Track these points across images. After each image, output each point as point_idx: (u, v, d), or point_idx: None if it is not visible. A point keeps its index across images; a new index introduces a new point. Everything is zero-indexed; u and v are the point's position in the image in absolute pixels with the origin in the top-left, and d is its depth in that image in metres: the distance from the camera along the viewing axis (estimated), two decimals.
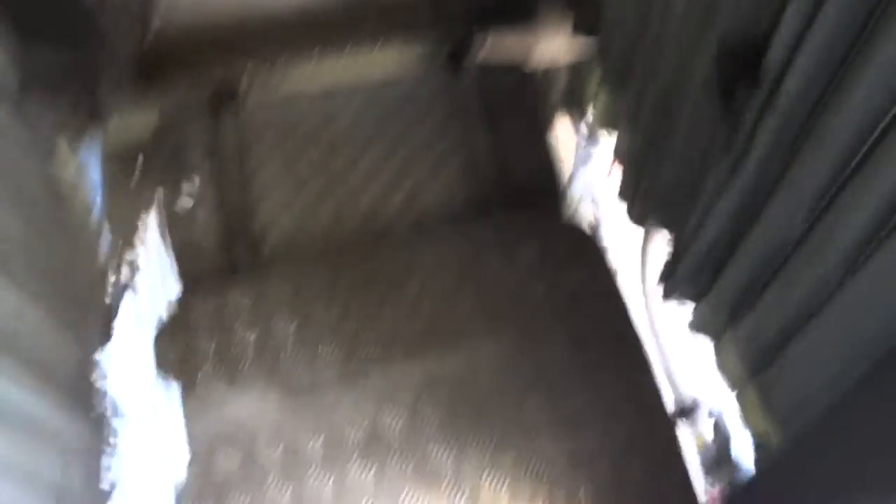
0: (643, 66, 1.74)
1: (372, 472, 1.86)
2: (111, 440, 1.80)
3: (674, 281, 1.86)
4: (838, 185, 1.18)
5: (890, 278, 1.11)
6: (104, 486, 1.74)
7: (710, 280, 1.73)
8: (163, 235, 2.54)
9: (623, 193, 2.05)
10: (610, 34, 1.92)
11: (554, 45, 2.52)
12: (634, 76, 1.80)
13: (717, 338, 1.83)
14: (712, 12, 1.36)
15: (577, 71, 2.94)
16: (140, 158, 2.75)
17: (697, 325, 1.88)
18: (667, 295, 1.92)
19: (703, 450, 2.31)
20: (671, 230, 1.87)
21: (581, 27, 2.28)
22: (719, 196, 1.52)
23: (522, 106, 2.44)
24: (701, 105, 1.50)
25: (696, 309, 1.87)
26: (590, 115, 2.89)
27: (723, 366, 1.82)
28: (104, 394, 1.83)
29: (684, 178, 1.69)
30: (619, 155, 2.05)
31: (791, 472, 1.47)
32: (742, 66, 1.29)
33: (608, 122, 2.12)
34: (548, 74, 2.91)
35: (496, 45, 2.55)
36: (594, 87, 2.79)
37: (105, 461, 1.76)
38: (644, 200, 1.92)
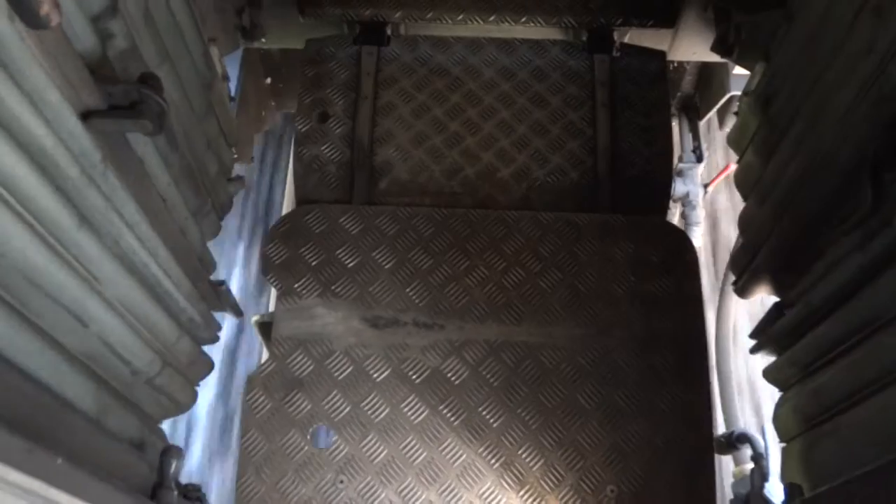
0: (798, 129, 1.74)
1: (423, 415, 2.02)
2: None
3: (766, 338, 1.90)
4: None
5: None
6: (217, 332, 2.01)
7: (796, 339, 1.76)
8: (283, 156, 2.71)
9: (735, 263, 2.08)
10: (772, 79, 1.91)
11: (690, 50, 2.52)
12: (785, 136, 1.80)
13: (784, 389, 1.87)
14: (883, 86, 1.37)
15: (705, 75, 2.91)
16: (268, 81, 2.95)
17: (770, 375, 1.92)
18: (755, 350, 1.96)
19: (739, 482, 2.36)
20: (777, 295, 1.90)
21: (722, 48, 2.26)
22: (836, 269, 1.55)
23: (650, 100, 2.44)
24: (846, 180, 1.51)
25: (774, 360, 1.91)
26: (705, 120, 2.88)
27: (778, 415, 1.86)
28: (214, 280, 2.06)
29: (803, 252, 1.71)
30: (742, 224, 2.06)
31: None
32: None
33: (740, 146, 2.12)
34: (678, 67, 2.90)
35: (634, 39, 2.57)
36: (729, 105, 2.77)
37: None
38: (754, 274, 1.95)
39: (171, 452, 1.48)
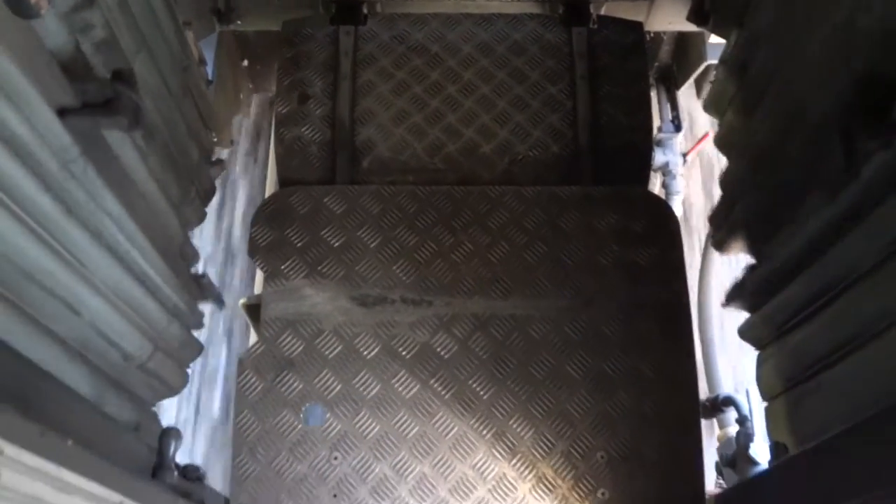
0: (774, 90, 1.76)
1: (414, 390, 2.04)
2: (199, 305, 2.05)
3: (739, 293, 1.94)
4: None
5: None
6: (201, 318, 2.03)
7: (769, 295, 1.81)
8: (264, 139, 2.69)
9: (714, 219, 2.11)
10: (747, 45, 1.93)
11: (666, 21, 2.54)
12: (762, 98, 1.83)
13: (761, 348, 1.92)
14: (853, 39, 1.38)
15: (681, 45, 2.94)
16: (245, 63, 2.93)
17: (746, 334, 1.96)
18: (727, 302, 2.00)
19: (724, 444, 2.42)
20: (751, 256, 1.94)
21: (697, 17, 2.28)
22: (806, 223, 1.58)
23: (628, 71, 2.46)
24: (819, 139, 1.53)
25: (749, 318, 1.95)
26: (681, 91, 2.90)
27: (760, 375, 1.91)
28: (195, 273, 2.06)
29: (777, 207, 1.75)
30: (722, 181, 2.09)
31: (794, 478, 1.57)
32: (870, 109, 1.31)
33: (718, 110, 2.14)
34: (655, 38, 2.92)
35: (611, 11, 2.58)
36: (706, 74, 2.79)
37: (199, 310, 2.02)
38: (731, 228, 1.99)
39: (171, 434, 1.50)
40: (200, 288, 2.06)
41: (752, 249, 1.97)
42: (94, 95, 1.40)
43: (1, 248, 1.20)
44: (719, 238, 2.08)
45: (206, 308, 2.12)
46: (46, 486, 0.82)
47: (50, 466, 0.83)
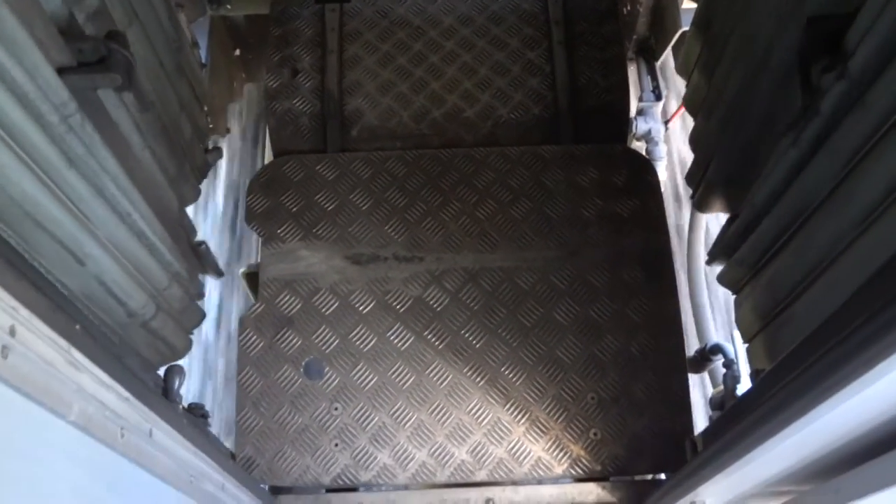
0: (734, 43, 1.83)
1: (409, 342, 2.12)
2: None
3: (719, 248, 2.00)
4: (866, 150, 1.29)
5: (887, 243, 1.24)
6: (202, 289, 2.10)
7: (741, 241, 1.88)
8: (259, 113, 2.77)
9: (691, 178, 2.18)
10: (708, 4, 2.01)
11: None
12: (724, 52, 1.89)
13: (737, 291, 1.98)
14: None
15: (657, 15, 3.03)
16: (237, 52, 3.03)
17: (723, 279, 2.03)
18: (710, 261, 2.07)
19: (717, 393, 2.48)
20: (730, 212, 2.01)
21: None
22: (774, 168, 1.63)
23: (603, 36, 2.56)
24: (780, 85, 1.59)
25: (725, 265, 2.02)
26: (660, 60, 2.99)
27: (739, 317, 1.97)
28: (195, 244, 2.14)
29: (747, 161, 1.81)
30: (693, 142, 2.16)
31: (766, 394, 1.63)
32: (824, 45, 1.36)
33: (687, 71, 2.22)
34: (631, 11, 3.01)
35: None
36: (682, 42, 2.88)
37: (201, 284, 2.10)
38: (707, 187, 2.06)
39: (175, 370, 1.58)
40: (199, 257, 2.13)
41: (729, 206, 2.03)
42: (88, 54, 1.48)
43: (11, 192, 1.28)
44: (698, 198, 2.15)
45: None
46: (58, 355, 0.91)
47: (61, 341, 0.92)
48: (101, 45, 1.50)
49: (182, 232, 2.06)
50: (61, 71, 1.37)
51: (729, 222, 2.00)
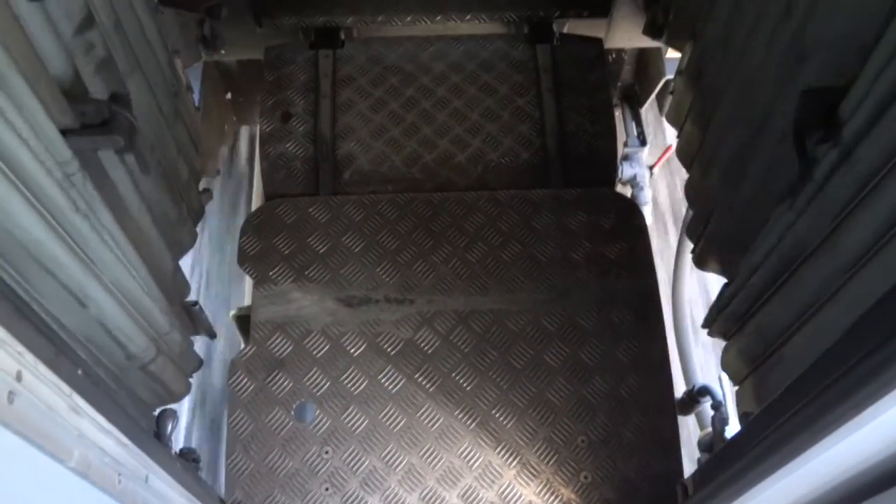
0: (729, 100, 1.86)
1: (400, 384, 2.13)
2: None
3: (715, 314, 2.01)
4: (854, 204, 1.31)
5: (872, 287, 1.27)
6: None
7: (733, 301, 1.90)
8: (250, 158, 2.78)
9: (691, 232, 2.21)
10: (702, 56, 2.05)
11: (625, 37, 2.70)
12: (718, 108, 1.93)
13: (726, 339, 2.00)
14: (801, 48, 1.47)
15: (642, 63, 3.11)
16: (228, 96, 3.08)
17: (710, 325, 2.06)
18: (706, 325, 2.07)
19: (705, 436, 2.49)
20: (726, 277, 2.03)
21: (652, 30, 2.44)
22: (770, 233, 1.63)
23: (591, 83, 2.61)
24: (779, 148, 1.61)
25: (710, 313, 2.04)
26: (646, 106, 3.06)
27: (726, 361, 1.99)
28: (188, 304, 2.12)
29: (748, 222, 1.81)
30: (691, 195, 2.20)
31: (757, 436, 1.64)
32: (819, 117, 1.37)
33: (678, 120, 2.27)
34: (617, 59, 3.09)
35: (572, 29, 2.76)
36: (673, 89, 2.95)
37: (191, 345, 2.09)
38: (707, 244, 2.09)
39: (167, 414, 1.57)
40: (191, 317, 2.12)
41: (725, 270, 2.05)
42: (91, 116, 1.50)
43: (10, 227, 1.28)
44: (698, 254, 2.17)
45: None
46: (61, 400, 0.91)
47: (64, 386, 0.92)
48: (104, 108, 1.52)
49: (175, 292, 2.06)
50: (63, 133, 1.39)
51: (725, 286, 2.02)
